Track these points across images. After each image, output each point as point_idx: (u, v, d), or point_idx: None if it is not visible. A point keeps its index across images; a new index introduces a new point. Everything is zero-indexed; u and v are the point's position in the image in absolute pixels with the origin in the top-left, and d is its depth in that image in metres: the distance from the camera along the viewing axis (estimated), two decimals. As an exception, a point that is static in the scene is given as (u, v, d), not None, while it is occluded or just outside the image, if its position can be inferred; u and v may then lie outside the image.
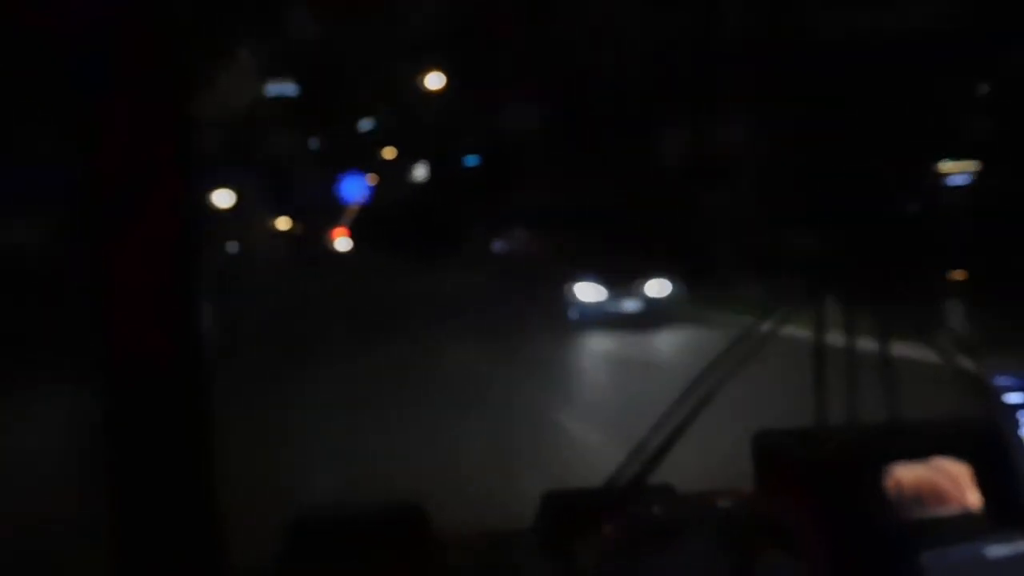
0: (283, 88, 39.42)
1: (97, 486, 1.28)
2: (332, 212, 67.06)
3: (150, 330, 1.24)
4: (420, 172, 44.64)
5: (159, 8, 1.24)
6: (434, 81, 33.69)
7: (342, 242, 62.13)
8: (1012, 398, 1.42)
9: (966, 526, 1.38)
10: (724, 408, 1.63)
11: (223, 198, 29.65)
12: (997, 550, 1.28)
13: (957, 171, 12.75)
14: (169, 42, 1.24)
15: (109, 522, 1.26)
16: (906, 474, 1.43)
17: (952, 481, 1.45)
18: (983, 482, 1.44)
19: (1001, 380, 1.44)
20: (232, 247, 30.71)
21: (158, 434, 1.27)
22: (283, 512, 1.46)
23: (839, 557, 1.29)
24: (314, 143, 53.50)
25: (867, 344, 1.64)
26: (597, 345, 13.70)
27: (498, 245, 28.46)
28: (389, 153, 51.80)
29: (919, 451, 1.46)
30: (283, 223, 55.45)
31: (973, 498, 1.43)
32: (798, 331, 1.68)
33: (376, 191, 60.47)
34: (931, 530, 1.37)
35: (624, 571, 1.25)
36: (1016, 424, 1.42)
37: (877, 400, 1.69)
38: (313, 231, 61.94)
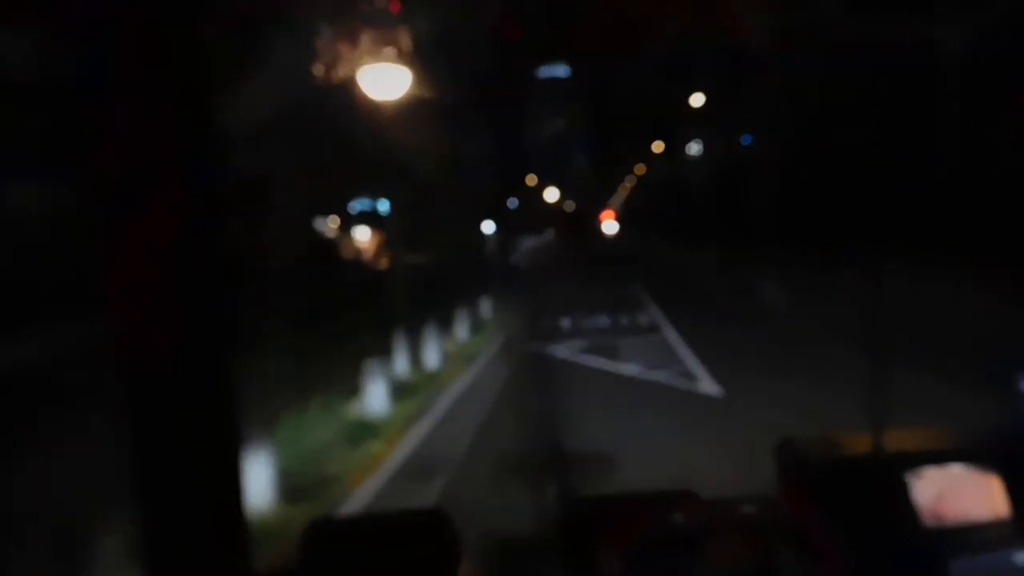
0: (555, 70, 38.65)
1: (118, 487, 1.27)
2: (602, 194, 67.49)
3: (153, 331, 1.23)
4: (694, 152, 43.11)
5: (161, 7, 1.22)
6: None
7: (609, 224, 62.56)
8: None
9: (993, 533, 1.35)
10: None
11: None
12: None
13: None
14: (170, 41, 1.23)
15: (133, 523, 1.25)
16: (932, 480, 1.41)
17: (979, 488, 1.41)
18: (1011, 489, 1.41)
19: None
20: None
21: (165, 438, 1.25)
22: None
23: (864, 564, 1.25)
24: (586, 123, 55.22)
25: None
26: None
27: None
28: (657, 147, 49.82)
29: (945, 457, 1.44)
30: (551, 194, 55.38)
31: (1000, 505, 1.40)
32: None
33: (644, 178, 60.11)
34: (957, 537, 1.34)
35: None
36: None
37: (901, 406, 1.62)
38: (582, 209, 62.45)
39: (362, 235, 24.12)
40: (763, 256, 20.58)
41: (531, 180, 40.72)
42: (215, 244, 1.29)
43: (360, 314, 10.69)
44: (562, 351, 11.86)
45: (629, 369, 10.14)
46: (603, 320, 15.25)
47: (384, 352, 9.48)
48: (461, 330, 13.68)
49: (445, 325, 13.18)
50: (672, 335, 12.74)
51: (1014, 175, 15.11)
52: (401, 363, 9.56)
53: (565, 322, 15.15)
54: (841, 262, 11.75)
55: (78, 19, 1.19)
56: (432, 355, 10.86)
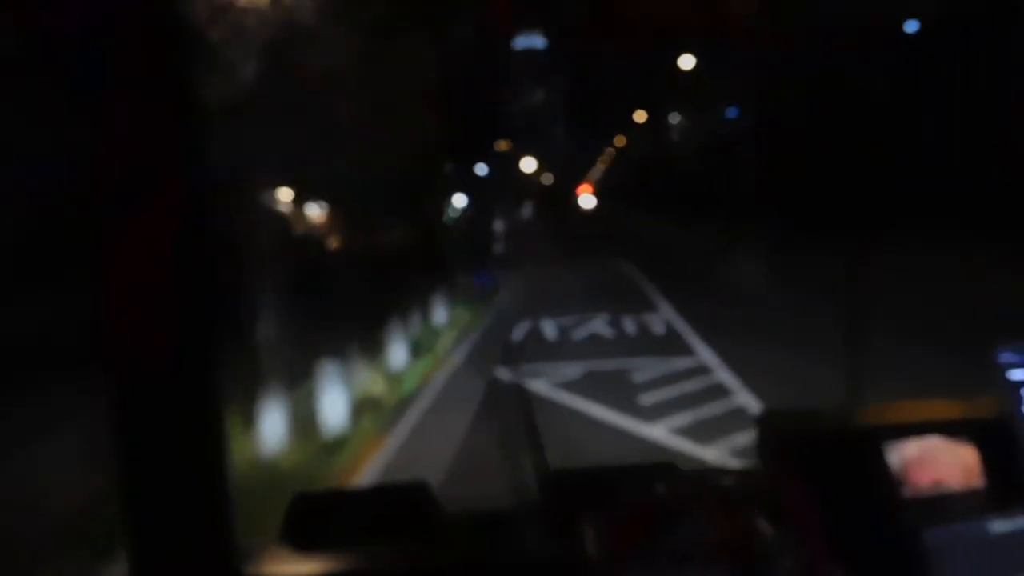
0: (531, 41, 37.76)
1: (107, 484, 1.25)
2: (580, 167, 65.28)
3: (151, 330, 1.22)
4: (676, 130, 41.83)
5: (160, 7, 1.21)
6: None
7: (586, 199, 60.09)
8: (1015, 375, 1.39)
9: (967, 503, 1.39)
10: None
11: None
12: (999, 527, 1.25)
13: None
14: (170, 41, 1.22)
15: (120, 518, 1.25)
16: (909, 451, 1.43)
17: (955, 459, 1.44)
18: (986, 459, 1.43)
19: (1005, 356, 1.39)
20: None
21: (162, 433, 1.25)
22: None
23: (841, 535, 1.26)
24: (565, 97, 54.93)
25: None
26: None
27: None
28: (640, 116, 47.86)
29: (922, 429, 1.45)
30: (528, 165, 53.57)
31: (975, 476, 1.43)
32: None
33: (624, 150, 59.33)
34: (932, 507, 1.37)
35: (626, 549, 1.23)
36: (1019, 401, 1.37)
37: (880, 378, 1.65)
38: (561, 183, 60.46)
39: (315, 210, 20.28)
40: (759, 234, 17.55)
41: (504, 145, 37.51)
42: (215, 244, 1.27)
43: (236, 341, 6.70)
44: (544, 386, 7.97)
45: (658, 433, 6.27)
46: (601, 326, 11.41)
47: (246, 414, 5.61)
48: (398, 353, 9.71)
49: (377, 344, 9.19)
50: (713, 360, 8.79)
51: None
52: (272, 434, 5.69)
53: (549, 329, 11.31)
54: (838, 245, 9.09)
55: (78, 19, 1.18)
56: (334, 411, 6.74)
